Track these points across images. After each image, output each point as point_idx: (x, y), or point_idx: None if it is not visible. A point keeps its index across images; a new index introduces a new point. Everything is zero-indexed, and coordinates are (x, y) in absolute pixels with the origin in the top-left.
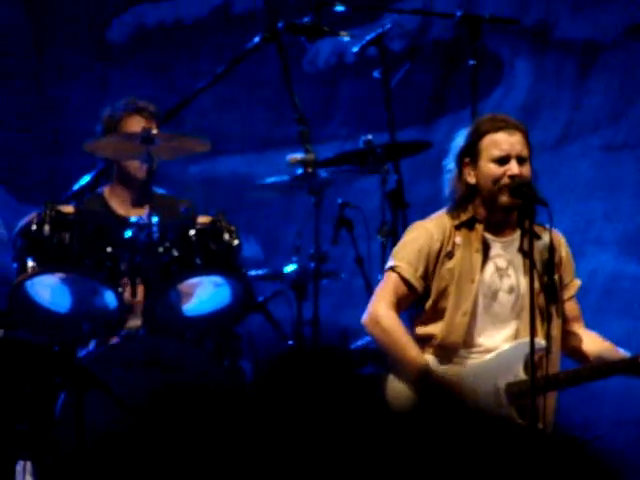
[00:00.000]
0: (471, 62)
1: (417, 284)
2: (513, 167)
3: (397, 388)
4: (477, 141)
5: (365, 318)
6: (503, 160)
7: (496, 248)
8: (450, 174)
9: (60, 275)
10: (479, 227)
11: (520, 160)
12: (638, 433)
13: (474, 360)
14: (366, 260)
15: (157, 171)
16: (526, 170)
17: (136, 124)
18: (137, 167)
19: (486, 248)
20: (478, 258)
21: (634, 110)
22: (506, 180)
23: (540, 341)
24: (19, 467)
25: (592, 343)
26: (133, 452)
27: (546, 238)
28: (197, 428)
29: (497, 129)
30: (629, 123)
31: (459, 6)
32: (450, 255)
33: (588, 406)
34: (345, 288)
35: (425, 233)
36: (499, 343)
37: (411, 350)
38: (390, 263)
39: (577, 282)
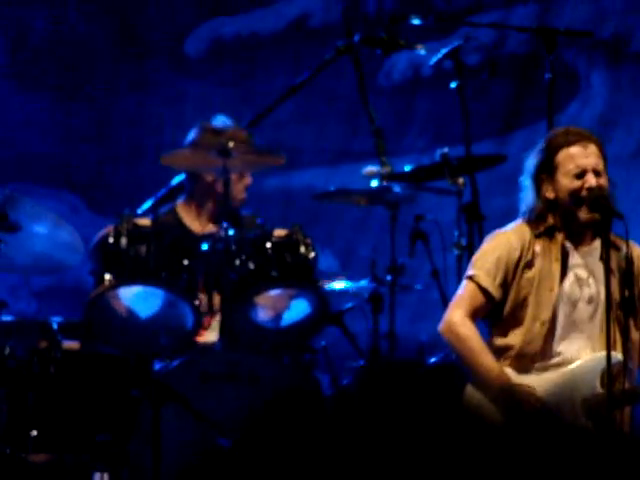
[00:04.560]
0: (547, 75)
1: (495, 293)
2: (590, 180)
3: (474, 399)
4: (552, 156)
5: (441, 326)
6: (580, 174)
7: (576, 257)
8: (526, 191)
9: (137, 288)
10: (559, 236)
11: (596, 173)
12: None
13: (551, 373)
14: (442, 273)
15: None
16: (603, 181)
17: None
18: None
19: (565, 257)
20: (557, 267)
21: None
22: (584, 193)
23: (617, 354)
24: (96, 478)
25: None
26: (211, 466)
27: (626, 249)
28: (278, 442)
29: (571, 143)
30: None
31: (535, 19)
32: (530, 265)
33: None
34: (421, 301)
35: (505, 242)
36: (577, 354)
37: (487, 357)
38: (469, 272)
39: None
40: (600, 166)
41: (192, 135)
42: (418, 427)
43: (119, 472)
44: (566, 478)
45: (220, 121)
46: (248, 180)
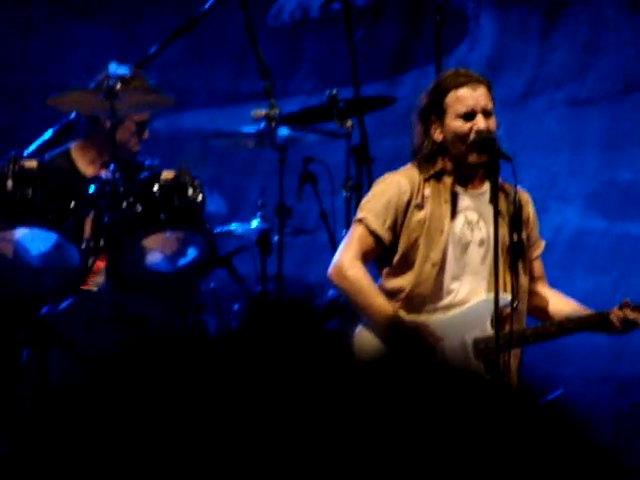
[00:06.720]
0: (436, 17)
1: (385, 235)
2: (479, 122)
3: (364, 340)
4: (442, 98)
5: (331, 269)
6: (469, 116)
7: (466, 200)
8: (416, 133)
9: (23, 230)
10: (447, 179)
11: (486, 113)
12: (600, 391)
13: (443, 314)
14: (330, 215)
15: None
16: (492, 123)
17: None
18: (128, 137)
19: (455, 200)
20: (447, 209)
21: (599, 65)
22: (473, 136)
23: (507, 296)
24: None
25: (557, 302)
26: (96, 407)
27: (514, 195)
28: (160, 383)
29: (460, 84)
30: (594, 78)
31: None
32: (420, 207)
33: (553, 362)
34: (309, 243)
35: (394, 185)
36: (468, 296)
37: (378, 298)
38: (358, 215)
39: (542, 242)
40: (489, 107)
41: (95, 81)
42: (304, 368)
43: (5, 416)
44: (455, 418)
45: (123, 68)
46: (146, 135)
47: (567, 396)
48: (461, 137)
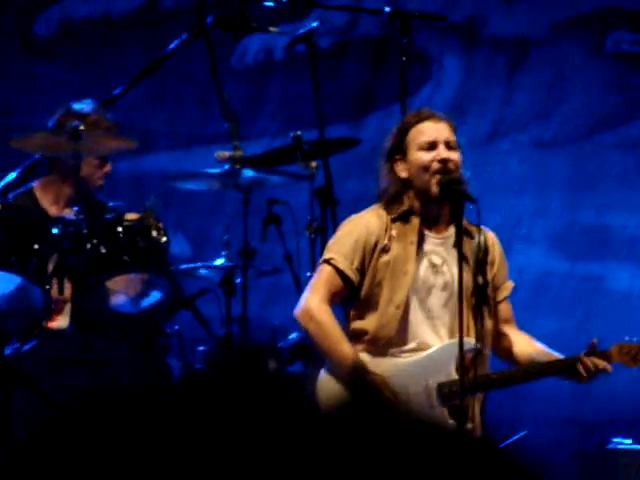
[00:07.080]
0: (400, 59)
1: (353, 276)
2: (441, 151)
3: (328, 385)
4: (404, 136)
5: (298, 311)
6: (431, 146)
7: (431, 243)
8: (382, 175)
9: None
10: (415, 220)
11: (448, 145)
12: (565, 432)
13: (407, 358)
14: (295, 257)
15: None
16: (455, 155)
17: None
18: (91, 172)
19: (421, 242)
20: (412, 250)
21: (563, 106)
22: (436, 165)
23: (471, 341)
24: None
25: (524, 345)
26: (60, 450)
27: (479, 238)
28: (124, 426)
29: (422, 120)
30: (559, 119)
31: (388, 2)
32: (386, 249)
33: (517, 403)
34: (273, 284)
35: (362, 226)
36: (432, 340)
37: (343, 344)
38: (325, 256)
39: (510, 284)
40: (452, 139)
41: (54, 118)
42: (267, 412)
43: None
44: (415, 469)
45: (82, 104)
46: (108, 168)
47: (531, 437)
48: (424, 167)
